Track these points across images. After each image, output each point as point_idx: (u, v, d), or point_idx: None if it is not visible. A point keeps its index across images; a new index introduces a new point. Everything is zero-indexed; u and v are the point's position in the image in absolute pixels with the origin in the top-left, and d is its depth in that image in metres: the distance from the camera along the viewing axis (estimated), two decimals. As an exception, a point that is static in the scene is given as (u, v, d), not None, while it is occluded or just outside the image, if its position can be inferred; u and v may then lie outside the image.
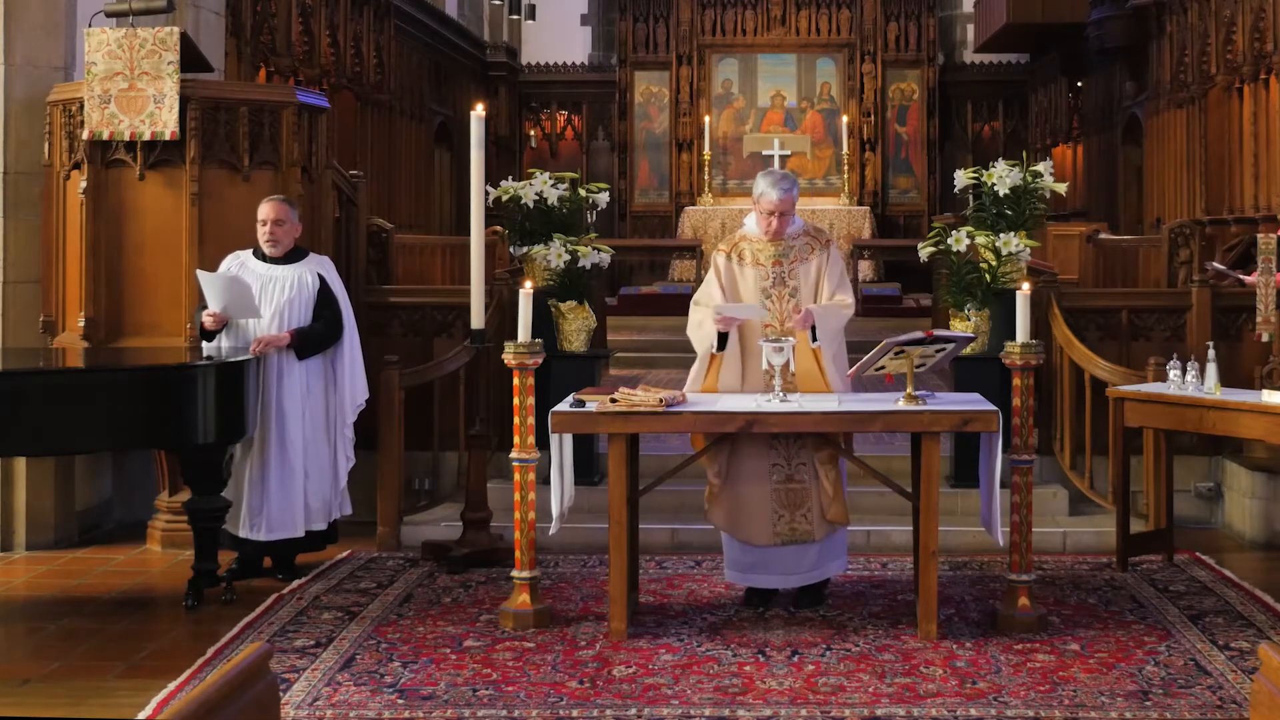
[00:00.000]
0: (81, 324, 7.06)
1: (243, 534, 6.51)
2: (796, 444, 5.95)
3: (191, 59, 7.27)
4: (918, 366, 5.81)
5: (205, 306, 6.53)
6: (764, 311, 5.95)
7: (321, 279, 6.68)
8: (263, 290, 6.54)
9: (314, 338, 6.60)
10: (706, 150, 17.68)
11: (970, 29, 18.70)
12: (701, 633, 5.69)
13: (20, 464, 7.28)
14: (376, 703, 4.91)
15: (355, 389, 6.76)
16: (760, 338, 5.84)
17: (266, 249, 6.60)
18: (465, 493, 7.10)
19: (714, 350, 5.98)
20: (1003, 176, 7.48)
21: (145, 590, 6.55)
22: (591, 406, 5.69)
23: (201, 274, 6.48)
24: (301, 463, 6.58)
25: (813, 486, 5.95)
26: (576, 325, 7.73)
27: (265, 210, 6.60)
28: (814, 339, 5.94)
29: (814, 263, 6.08)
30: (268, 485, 6.52)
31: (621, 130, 18.47)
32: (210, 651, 5.48)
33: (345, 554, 7.04)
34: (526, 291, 5.96)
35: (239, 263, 6.63)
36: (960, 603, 6.12)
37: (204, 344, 6.59)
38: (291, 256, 6.65)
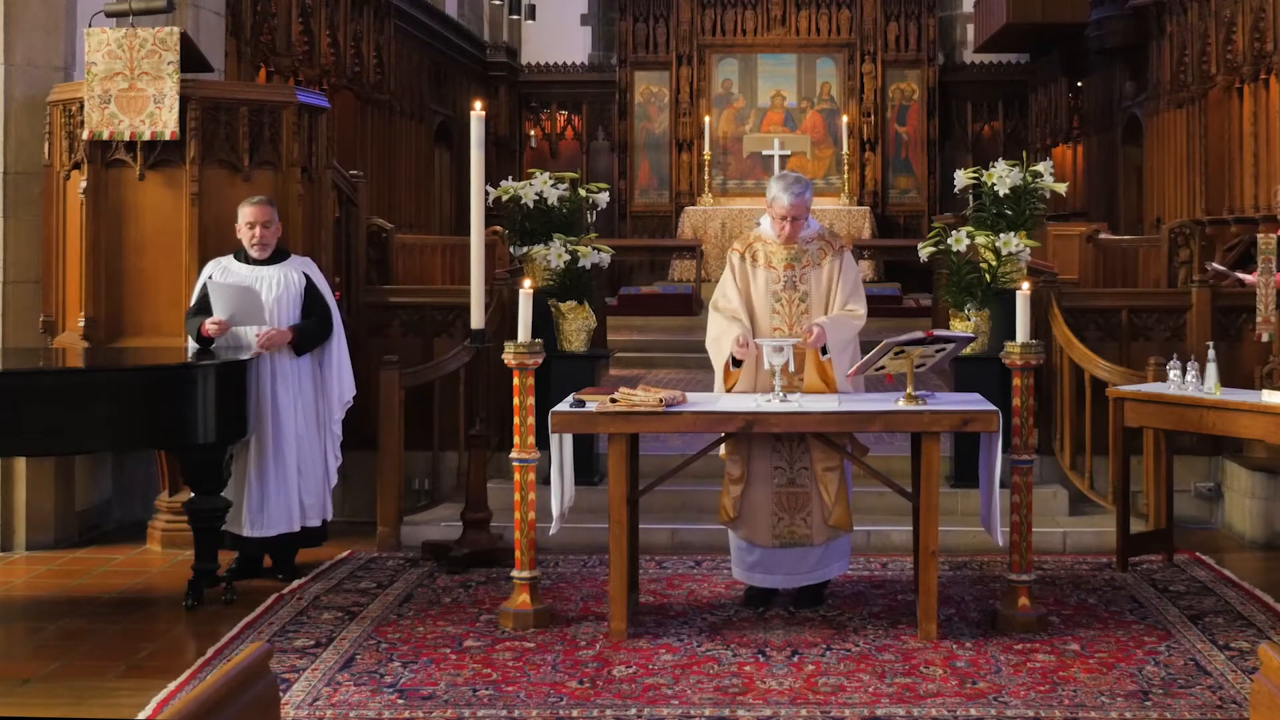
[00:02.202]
0: (81, 324, 7.06)
1: (246, 533, 6.52)
2: (799, 448, 5.97)
3: (191, 59, 7.27)
4: (918, 366, 5.81)
5: (198, 310, 6.53)
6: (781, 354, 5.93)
7: (307, 278, 6.69)
8: None
9: (311, 333, 6.63)
10: (706, 150, 17.67)
11: (970, 29, 18.69)
12: (701, 633, 5.69)
13: (20, 464, 7.28)
14: (376, 703, 4.91)
15: (343, 387, 6.80)
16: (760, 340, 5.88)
17: (254, 251, 6.60)
18: (465, 493, 7.10)
19: (731, 368, 6.04)
20: (1003, 176, 7.48)
21: (145, 590, 6.55)
22: (591, 406, 5.69)
23: (213, 284, 6.48)
24: (296, 460, 6.60)
25: (813, 491, 5.96)
26: (576, 325, 7.73)
27: (250, 214, 6.59)
28: (824, 352, 5.96)
29: (826, 269, 6.07)
30: (266, 483, 6.53)
31: (621, 130, 18.47)
32: (210, 651, 5.49)
33: (345, 554, 7.04)
34: (526, 291, 5.96)
35: (221, 268, 6.63)
36: (960, 603, 6.12)
37: (191, 346, 6.59)
38: (274, 257, 6.66)
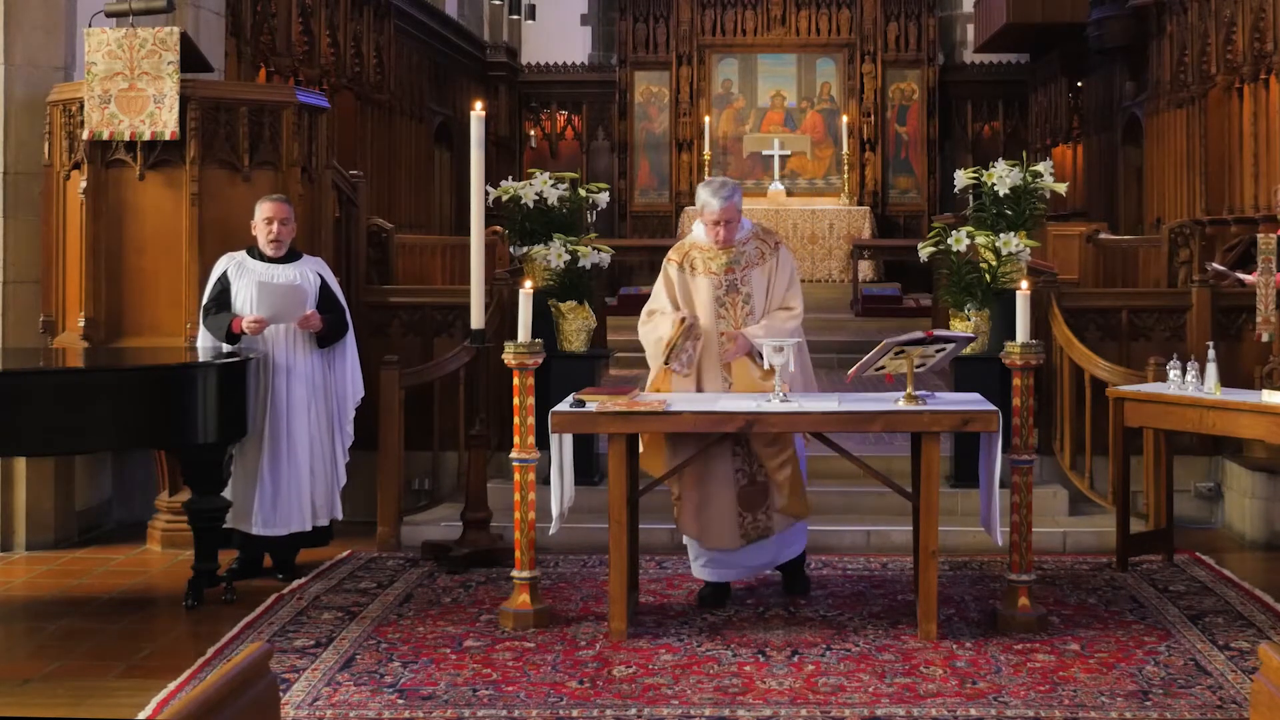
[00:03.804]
0: (81, 324, 7.06)
1: (257, 531, 6.52)
2: (759, 443, 5.97)
3: (191, 59, 7.27)
4: (918, 366, 5.81)
5: (219, 309, 6.52)
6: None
7: (321, 278, 6.70)
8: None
9: (335, 328, 6.67)
10: (706, 150, 17.66)
11: (970, 29, 18.69)
12: (701, 633, 5.69)
13: (20, 464, 7.28)
14: (376, 703, 4.91)
15: (355, 387, 6.81)
16: (717, 345, 5.96)
17: (270, 249, 6.60)
18: (465, 493, 7.11)
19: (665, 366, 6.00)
20: (1003, 176, 7.47)
21: (145, 590, 6.55)
22: (591, 406, 5.69)
23: (261, 283, 6.47)
24: (308, 459, 6.60)
25: (770, 483, 5.99)
26: (576, 325, 7.73)
27: (269, 209, 6.60)
28: (765, 362, 5.89)
29: (766, 267, 6.08)
30: (279, 481, 6.54)
31: (621, 130, 18.46)
32: (210, 651, 5.49)
33: (345, 554, 7.04)
34: (526, 291, 5.96)
35: (235, 263, 6.63)
36: (960, 603, 6.12)
37: (210, 343, 6.59)
38: (288, 257, 6.67)
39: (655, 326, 6.04)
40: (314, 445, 6.63)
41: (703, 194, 6.07)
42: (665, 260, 6.18)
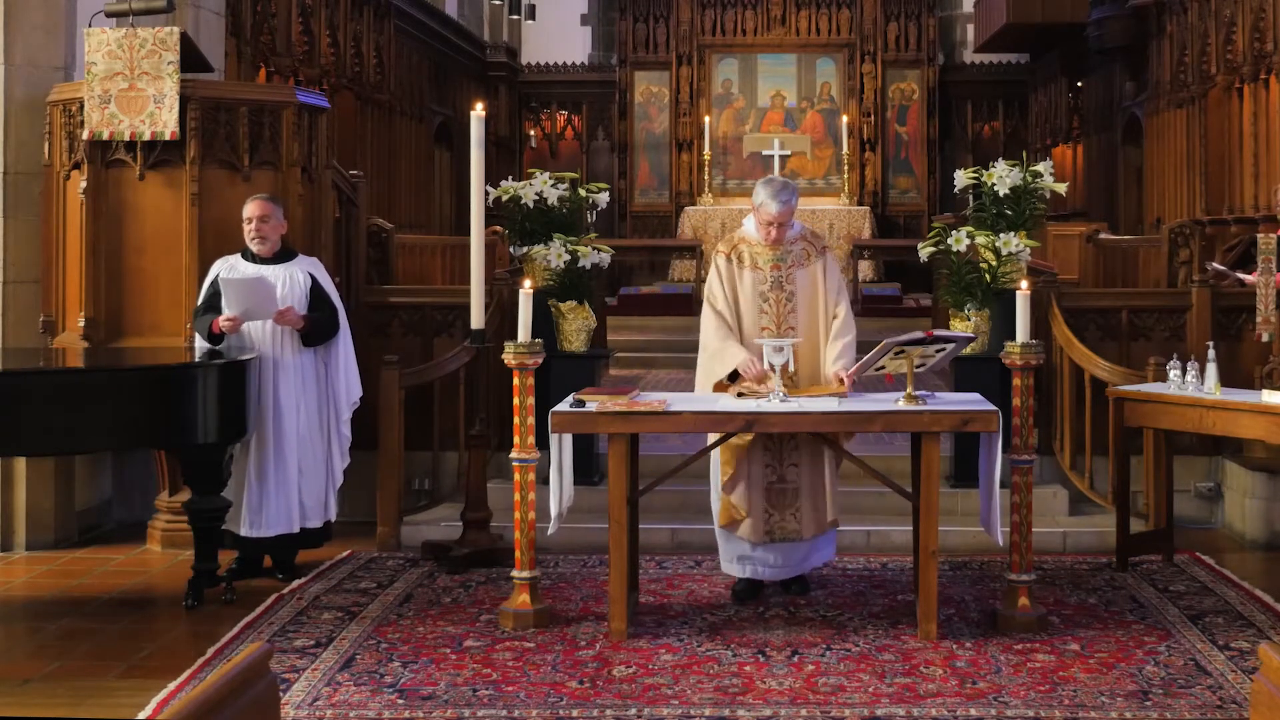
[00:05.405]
0: (81, 324, 7.06)
1: (244, 533, 6.52)
2: (790, 444, 6.01)
3: (191, 59, 7.27)
4: (918, 366, 5.81)
5: (207, 310, 6.52)
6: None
7: (312, 278, 6.69)
8: None
9: (321, 326, 6.65)
10: (706, 150, 17.66)
11: (970, 29, 18.69)
12: (701, 633, 5.69)
13: (20, 464, 7.28)
14: (376, 703, 4.91)
15: (350, 387, 6.80)
16: (759, 340, 5.89)
17: (254, 247, 6.61)
18: (465, 493, 7.11)
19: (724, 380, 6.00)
20: (1003, 176, 7.47)
21: (145, 590, 6.55)
22: (591, 406, 5.69)
23: (224, 280, 6.47)
24: (297, 460, 6.59)
25: (804, 487, 6.02)
26: (576, 325, 7.73)
27: (250, 209, 6.61)
28: (765, 362, 5.93)
29: (811, 269, 6.13)
30: (266, 482, 6.54)
31: (621, 130, 18.45)
32: (210, 651, 5.49)
33: (345, 554, 7.04)
34: (526, 291, 5.97)
35: (228, 266, 6.63)
36: (960, 603, 6.12)
37: (200, 345, 6.59)
38: (281, 256, 6.67)
39: (717, 353, 6.00)
40: (304, 446, 6.62)
41: (762, 193, 6.08)
42: (714, 253, 6.25)
